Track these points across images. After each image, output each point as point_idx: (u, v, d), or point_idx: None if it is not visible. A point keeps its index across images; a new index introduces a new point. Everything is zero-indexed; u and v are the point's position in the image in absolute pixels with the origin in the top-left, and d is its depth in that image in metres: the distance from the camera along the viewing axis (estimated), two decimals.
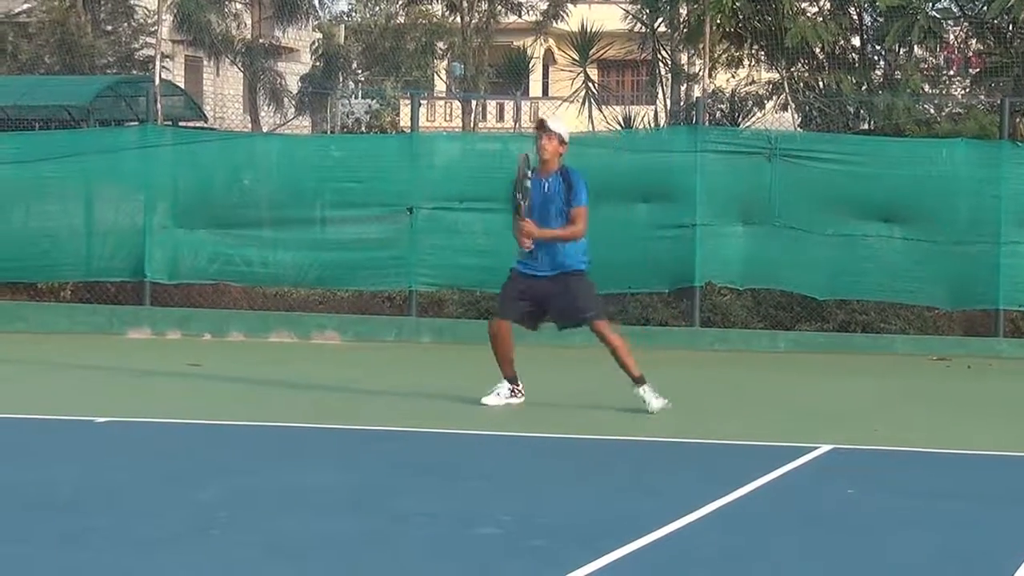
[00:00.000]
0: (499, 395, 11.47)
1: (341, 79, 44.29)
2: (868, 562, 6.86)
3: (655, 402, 11.19)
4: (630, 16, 26.02)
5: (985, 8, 19.80)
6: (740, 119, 21.95)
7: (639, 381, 11.28)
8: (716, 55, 20.79)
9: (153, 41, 28.76)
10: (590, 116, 24.89)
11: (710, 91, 21.42)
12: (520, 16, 37.64)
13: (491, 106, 40.58)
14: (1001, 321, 16.62)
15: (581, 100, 25.04)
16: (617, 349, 11.29)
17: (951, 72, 21.50)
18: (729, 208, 16.96)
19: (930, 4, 19.77)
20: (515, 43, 38.16)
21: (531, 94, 43.96)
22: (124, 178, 18.08)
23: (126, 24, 34.87)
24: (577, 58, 25.57)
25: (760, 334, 16.91)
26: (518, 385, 11.52)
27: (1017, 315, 16.89)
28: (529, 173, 11.17)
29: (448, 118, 41.75)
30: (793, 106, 20.24)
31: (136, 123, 22.60)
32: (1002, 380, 14.82)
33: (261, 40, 41.28)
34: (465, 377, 13.45)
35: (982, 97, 20.07)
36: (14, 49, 32.77)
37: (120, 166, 18.04)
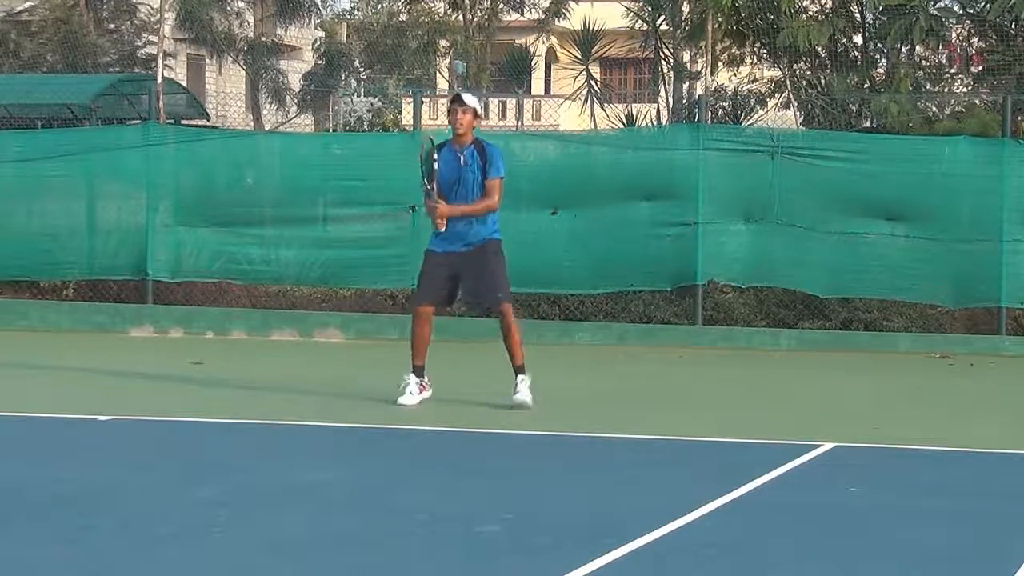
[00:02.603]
0: (412, 393, 11.41)
1: (343, 77, 44.24)
2: (869, 560, 6.86)
3: (527, 395, 11.22)
4: (632, 14, 26.03)
5: (987, 6, 19.79)
6: (742, 117, 21.96)
7: (521, 370, 11.32)
8: (718, 53, 20.79)
9: (155, 39, 28.80)
10: (592, 114, 24.92)
11: (712, 89, 21.45)
12: (522, 14, 37.60)
13: (493, 104, 40.56)
14: (1004, 319, 16.62)
15: (583, 98, 25.07)
16: (513, 335, 11.32)
17: (953, 70, 21.48)
18: (731, 206, 16.95)
19: (931, 2, 19.76)
20: (517, 41, 38.14)
21: (533, 92, 43.96)
22: (126, 176, 18.09)
23: (128, 22, 34.87)
24: (579, 56, 25.59)
25: (762, 332, 16.91)
26: (424, 378, 11.50)
27: (1020, 313, 16.88)
28: (436, 155, 11.33)
29: None
30: (795, 104, 20.24)
31: (138, 121, 22.60)
32: (1005, 378, 14.82)
33: (263, 38, 41.24)
34: (466, 376, 13.45)
35: (984, 95, 20.06)
36: (16, 47, 32.77)
37: (122, 164, 18.05)
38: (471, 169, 11.28)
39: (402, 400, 11.40)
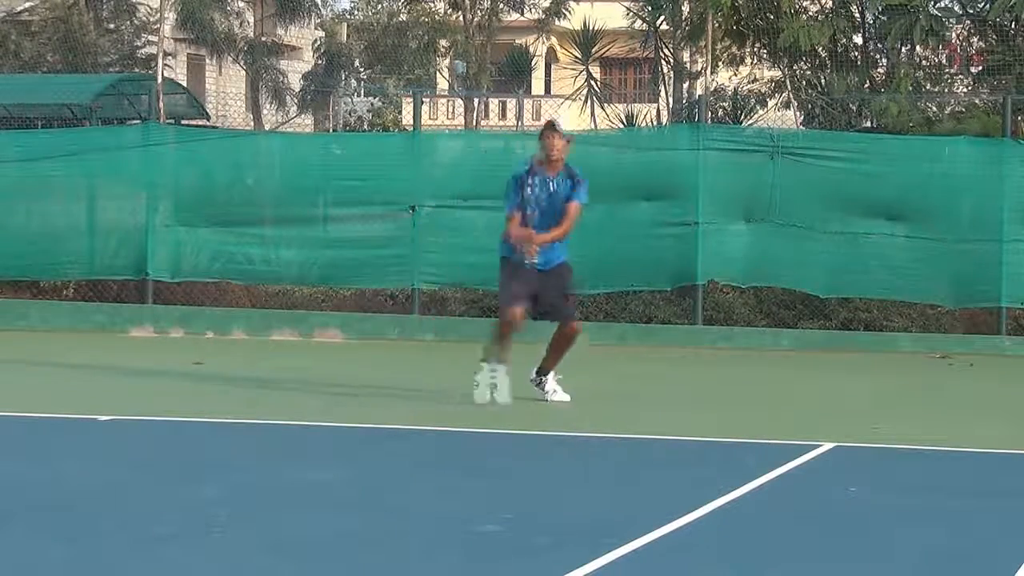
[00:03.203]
0: (482, 387, 11.44)
1: (343, 77, 44.27)
2: (869, 560, 6.86)
3: (562, 393, 11.58)
4: (632, 14, 26.04)
5: (987, 6, 19.79)
6: (742, 117, 21.96)
7: (549, 372, 11.64)
8: (718, 53, 20.79)
9: (155, 39, 28.79)
10: (592, 114, 24.92)
11: (712, 89, 21.44)
12: (522, 14, 37.62)
13: (493, 104, 40.58)
14: (1004, 319, 16.62)
15: (583, 98, 25.07)
16: (564, 347, 11.54)
17: (953, 70, 21.48)
18: (731, 206, 16.96)
19: (932, 2, 19.76)
20: (517, 41, 38.16)
21: (533, 92, 43.96)
22: (126, 176, 18.09)
23: (128, 22, 34.86)
24: (579, 56, 25.60)
25: (762, 332, 16.91)
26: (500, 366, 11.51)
27: (1020, 313, 16.89)
28: (529, 180, 11.37)
29: (450, 116, 41.75)
30: (795, 104, 20.24)
31: (138, 121, 22.60)
32: (1004, 378, 14.82)
33: (263, 38, 41.25)
34: (467, 375, 13.43)
35: (984, 95, 20.05)
36: (17, 47, 32.76)
37: (122, 164, 18.05)
38: (560, 196, 11.37)
39: (554, 398, 11.61)
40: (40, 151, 18.21)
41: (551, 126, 11.53)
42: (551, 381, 11.69)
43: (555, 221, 11.32)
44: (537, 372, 11.73)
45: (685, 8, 22.00)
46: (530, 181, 11.33)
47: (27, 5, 36.13)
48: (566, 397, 11.63)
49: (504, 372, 11.39)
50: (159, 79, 21.09)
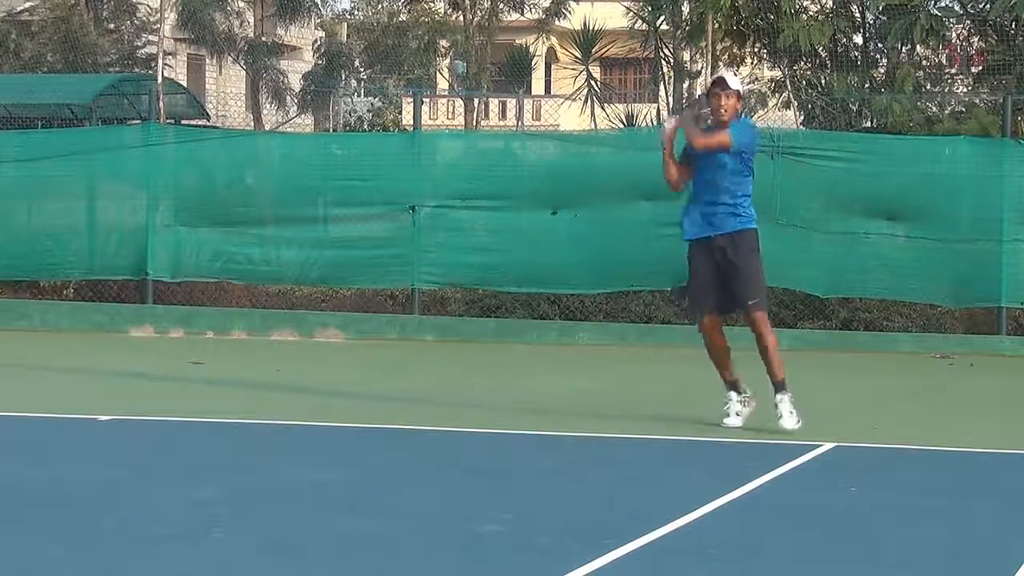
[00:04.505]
0: (736, 415, 10.41)
1: (343, 77, 44.26)
2: (869, 560, 6.86)
3: (791, 418, 10.25)
4: (632, 14, 26.02)
5: (987, 6, 19.79)
6: (742, 117, 21.94)
7: (781, 387, 10.32)
8: (718, 53, 20.78)
9: (156, 39, 28.80)
10: (592, 114, 24.89)
11: None
12: (522, 14, 37.62)
13: (493, 104, 40.57)
14: (1004, 319, 16.62)
15: (583, 98, 25.04)
16: (769, 347, 10.34)
17: (953, 70, 21.48)
18: None
19: (932, 2, 19.76)
20: (517, 41, 38.13)
21: (533, 92, 43.95)
22: (126, 176, 18.10)
23: (128, 22, 34.87)
24: (579, 56, 25.58)
25: None
26: (743, 392, 10.48)
27: (1020, 313, 16.89)
28: (707, 121, 10.05)
29: (450, 116, 41.74)
30: (795, 104, 20.24)
31: (138, 121, 22.62)
32: (1005, 378, 14.81)
33: (263, 38, 41.26)
34: (467, 375, 13.46)
35: (984, 95, 20.05)
36: (17, 47, 32.77)
37: (122, 164, 18.06)
38: (732, 156, 10.09)
39: (727, 421, 10.43)
40: (40, 151, 18.21)
41: (720, 82, 10.05)
42: (784, 401, 10.27)
43: (722, 189, 10.10)
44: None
45: (685, 8, 21.98)
46: (706, 122, 10.02)
47: (27, 5, 36.13)
48: (792, 424, 10.17)
49: (736, 399, 10.42)
50: (159, 79, 21.09)
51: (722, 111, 10.02)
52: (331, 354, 15.89)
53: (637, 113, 24.81)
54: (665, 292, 17.32)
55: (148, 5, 34.47)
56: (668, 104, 23.73)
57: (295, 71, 44.22)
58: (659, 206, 17.03)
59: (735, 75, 10.60)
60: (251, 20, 40.92)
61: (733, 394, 10.53)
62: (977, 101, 19.89)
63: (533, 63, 37.64)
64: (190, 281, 17.91)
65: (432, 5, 37.62)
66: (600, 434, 10.47)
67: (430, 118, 40.19)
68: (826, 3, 20.48)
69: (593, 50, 25.89)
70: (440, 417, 10.97)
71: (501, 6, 35.65)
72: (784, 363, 10.37)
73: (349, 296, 18.22)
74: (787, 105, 20.88)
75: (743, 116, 10.43)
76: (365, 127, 37.99)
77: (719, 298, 10.28)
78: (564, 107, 30.82)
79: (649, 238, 17.03)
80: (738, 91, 10.14)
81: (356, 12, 46.79)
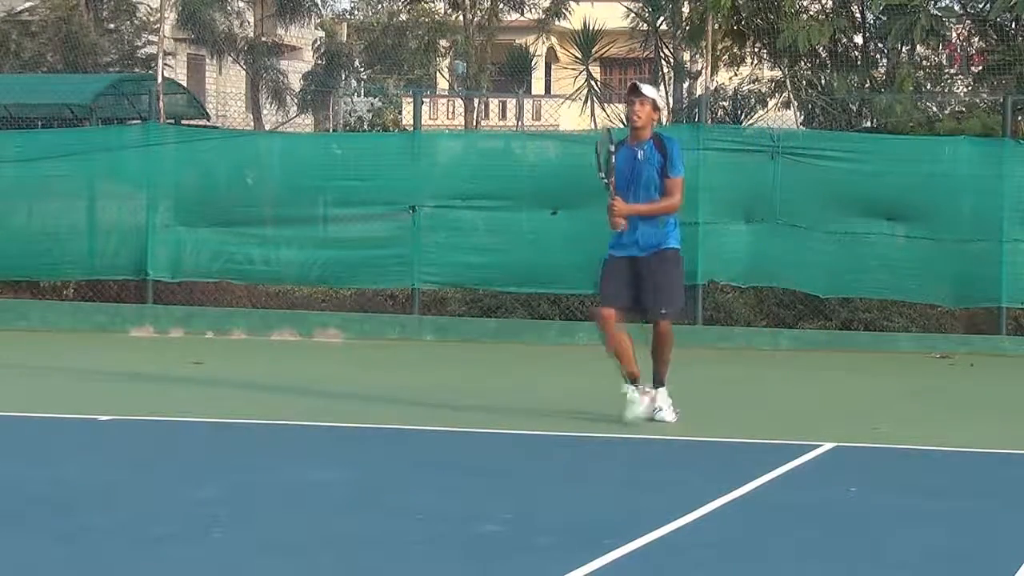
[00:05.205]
0: (635, 403, 10.55)
1: (343, 77, 44.28)
2: (869, 560, 6.86)
3: (670, 413, 10.67)
4: (632, 14, 26.04)
5: (987, 6, 19.79)
6: (743, 117, 21.96)
7: (663, 383, 10.72)
8: (718, 53, 20.79)
9: (156, 39, 28.78)
10: (592, 114, 24.91)
11: (712, 89, 21.43)
12: (522, 14, 37.62)
13: (493, 104, 40.56)
14: (1004, 319, 16.60)
15: (583, 98, 25.07)
16: (663, 351, 10.66)
17: (953, 70, 21.48)
18: (731, 206, 16.95)
19: (932, 2, 19.76)
20: (517, 41, 38.15)
21: (533, 92, 43.96)
22: (126, 176, 18.09)
23: (129, 22, 34.88)
24: (579, 56, 25.59)
25: (762, 332, 16.91)
26: (640, 385, 10.66)
27: (1020, 313, 16.87)
28: (613, 148, 10.43)
29: (451, 116, 41.75)
30: (795, 104, 20.24)
31: (138, 121, 22.61)
32: (1005, 378, 14.81)
33: (263, 38, 41.27)
34: (467, 375, 13.46)
35: (985, 95, 20.05)
36: (17, 47, 32.78)
37: (122, 164, 18.05)
38: (649, 165, 10.39)
39: (627, 415, 10.52)
40: (40, 151, 18.20)
41: (634, 89, 10.41)
42: (661, 396, 10.68)
43: (645, 196, 10.39)
44: (654, 384, 10.75)
45: (685, 8, 21.99)
46: (614, 149, 10.36)
47: (27, 5, 36.12)
48: (671, 417, 10.63)
49: (633, 390, 10.54)
50: (159, 79, 21.08)
51: (635, 118, 10.35)
52: (331, 354, 15.89)
53: None
54: None
55: (148, 5, 34.47)
56: (668, 104, 23.75)
57: (295, 71, 44.24)
58: None
59: (650, 84, 10.71)
60: (251, 20, 40.92)
61: (631, 387, 10.60)
62: (977, 101, 19.89)
63: (533, 63, 37.67)
64: (190, 281, 17.90)
65: (432, 5, 37.62)
66: (600, 434, 10.47)
67: (430, 118, 40.19)
68: (826, 3, 20.48)
69: (593, 50, 25.91)
70: (440, 417, 10.97)
71: (501, 6, 35.65)
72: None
73: (349, 296, 18.22)
74: (787, 105, 20.88)
75: (671, 141, 10.61)
76: (365, 127, 38.00)
77: (630, 298, 10.58)
78: (564, 107, 30.83)
79: None
80: (653, 100, 10.45)
81: (356, 12, 46.78)
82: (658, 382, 10.76)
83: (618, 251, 10.58)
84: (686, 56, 25.00)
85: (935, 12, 19.69)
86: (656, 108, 10.50)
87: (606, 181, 10.43)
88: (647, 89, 10.53)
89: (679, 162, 10.51)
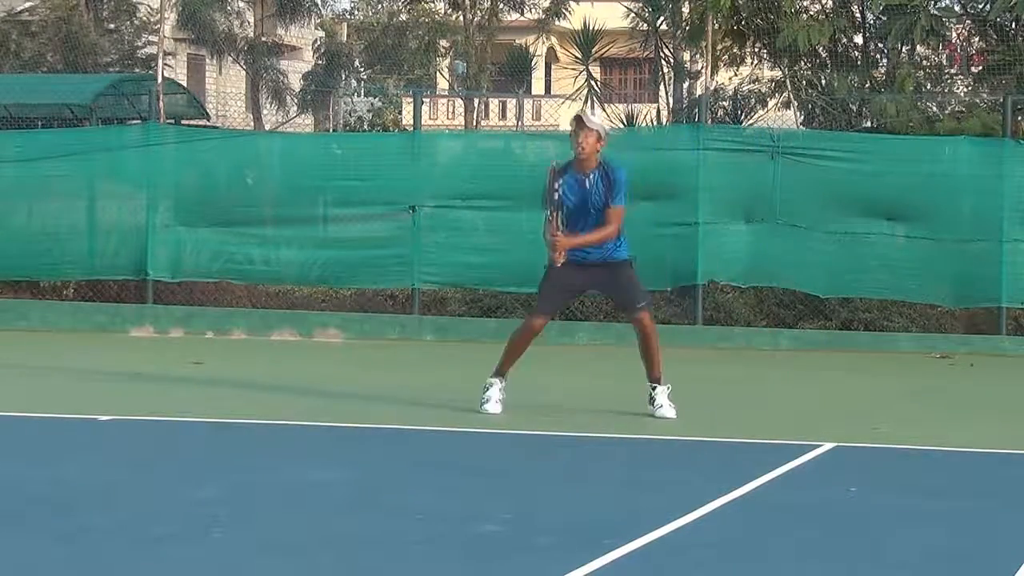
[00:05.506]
0: (498, 401, 10.99)
1: (343, 77, 44.27)
2: (869, 560, 6.86)
3: (669, 408, 10.93)
4: (632, 14, 26.02)
5: (987, 6, 19.79)
6: (743, 117, 21.94)
7: (660, 381, 11.00)
8: (718, 53, 20.79)
9: (156, 39, 28.78)
10: (592, 114, 24.85)
11: (712, 89, 21.41)
12: (522, 14, 37.61)
13: (494, 104, 40.56)
14: (1004, 319, 16.61)
15: (584, 98, 25.02)
16: (650, 344, 10.92)
17: (953, 70, 21.47)
18: (732, 206, 16.95)
19: (932, 2, 19.75)
20: (517, 41, 38.13)
21: (533, 92, 43.95)
22: (126, 176, 18.09)
23: (129, 22, 34.86)
24: (579, 56, 25.55)
25: (762, 332, 16.91)
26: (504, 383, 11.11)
27: (1020, 313, 16.88)
28: (558, 185, 10.72)
29: (451, 116, 41.75)
30: (795, 104, 20.23)
31: (139, 121, 22.60)
32: (1005, 378, 14.81)
33: (263, 38, 41.26)
34: (467, 375, 13.43)
35: (985, 95, 20.04)
36: (17, 47, 32.76)
37: (123, 164, 18.05)
38: (596, 194, 10.70)
39: (488, 407, 10.94)
40: (40, 151, 18.19)
41: (579, 121, 10.68)
42: (664, 393, 10.99)
43: (592, 222, 10.71)
44: (650, 383, 11.04)
45: (685, 8, 21.97)
46: (559, 181, 10.66)
47: (27, 5, 36.12)
48: (672, 413, 10.91)
49: (501, 386, 10.99)
50: (159, 79, 21.06)
51: (580, 149, 10.63)
52: (331, 354, 15.89)
53: (637, 113, 24.77)
54: (665, 292, 17.32)
55: (148, 5, 34.46)
56: (668, 104, 23.75)
57: (295, 71, 44.22)
58: (659, 206, 17.05)
59: (594, 114, 11.14)
60: (251, 20, 40.90)
61: (498, 380, 10.99)
62: (977, 101, 19.88)
63: (533, 63, 37.64)
64: (190, 281, 17.90)
65: (432, 5, 37.62)
66: (600, 434, 10.47)
67: (430, 118, 40.19)
68: (826, 3, 20.47)
69: (593, 50, 25.86)
70: (440, 417, 10.97)
71: (501, 6, 35.64)
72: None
73: (349, 296, 18.22)
74: (787, 105, 20.87)
75: (618, 171, 10.81)
76: (365, 127, 38.00)
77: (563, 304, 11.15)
78: (564, 107, 30.81)
79: (649, 238, 17.00)
80: (598, 131, 10.70)
81: (356, 12, 46.78)
82: (654, 380, 11.01)
83: (571, 257, 10.82)
84: (686, 56, 24.98)
85: (935, 12, 19.67)
86: (600, 138, 10.74)
87: (549, 215, 10.75)
88: (592, 121, 10.79)
89: (622, 193, 10.76)
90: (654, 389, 11.00)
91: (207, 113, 29.44)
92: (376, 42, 41.55)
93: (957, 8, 20.69)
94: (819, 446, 9.83)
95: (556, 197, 10.71)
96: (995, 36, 19.88)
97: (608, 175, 10.74)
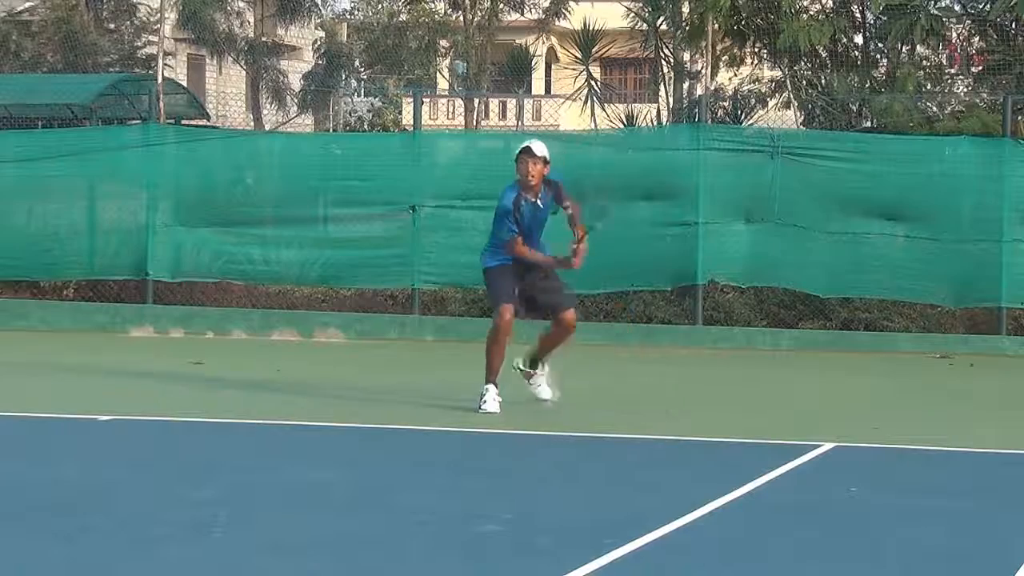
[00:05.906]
0: (496, 402, 11.17)
1: (344, 77, 44.24)
2: (869, 560, 6.86)
3: (547, 391, 11.59)
4: (632, 14, 26.00)
5: (987, 6, 19.79)
6: (743, 117, 21.95)
7: (542, 366, 11.62)
8: (718, 53, 20.79)
9: (156, 39, 28.77)
10: (592, 114, 24.88)
11: (712, 89, 21.42)
12: (522, 14, 37.59)
13: (494, 104, 40.55)
14: (1004, 319, 16.62)
15: (583, 98, 25.02)
16: (563, 340, 11.50)
17: (953, 70, 21.48)
18: (732, 206, 16.96)
19: (932, 2, 19.75)
20: (517, 41, 38.11)
21: (533, 92, 43.93)
22: (127, 176, 18.10)
23: (129, 22, 34.85)
24: (579, 56, 25.55)
25: (763, 332, 16.91)
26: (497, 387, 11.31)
27: (1020, 313, 16.89)
28: (522, 205, 11.34)
29: (450, 116, 41.73)
30: (795, 104, 20.24)
31: (139, 121, 22.59)
32: (1005, 378, 14.81)
33: (264, 38, 41.23)
34: (467, 375, 13.42)
35: (985, 95, 20.05)
36: (17, 47, 32.74)
37: (123, 164, 18.06)
38: (546, 209, 11.45)
39: (487, 407, 11.16)
40: (40, 151, 18.20)
41: (526, 151, 11.37)
42: (546, 374, 11.67)
43: (538, 236, 11.41)
44: (530, 364, 11.60)
45: (685, 9, 21.97)
46: (520, 208, 11.32)
47: (27, 5, 36.11)
48: (549, 395, 11.57)
49: (496, 391, 11.18)
50: (159, 79, 21.07)
51: (530, 177, 11.31)
52: (331, 354, 15.89)
53: (637, 113, 24.77)
54: (665, 292, 17.32)
55: (148, 5, 34.43)
56: (668, 104, 23.74)
57: (295, 71, 44.19)
58: (659, 206, 17.07)
59: (540, 143, 11.65)
60: (251, 20, 40.87)
61: (491, 386, 11.23)
62: (977, 101, 19.89)
63: (533, 63, 37.60)
64: (190, 281, 17.91)
65: (432, 5, 37.61)
66: (600, 434, 10.47)
67: (430, 118, 40.17)
68: (826, 3, 20.47)
69: (593, 50, 25.86)
70: (440, 417, 10.97)
71: (501, 6, 35.63)
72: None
73: (349, 296, 18.22)
74: (787, 105, 20.87)
75: (553, 179, 11.47)
76: (365, 127, 38.01)
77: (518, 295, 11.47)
78: (564, 107, 30.83)
79: (649, 238, 17.04)
80: (544, 157, 11.38)
81: (356, 12, 46.75)
82: (542, 362, 11.62)
83: (496, 262, 11.47)
84: (686, 56, 24.97)
85: (935, 12, 19.68)
86: (546, 163, 11.39)
87: (515, 234, 11.34)
88: (538, 148, 11.41)
89: (570, 196, 11.46)
90: (537, 377, 11.59)
91: (207, 113, 29.43)
92: (376, 42, 41.51)
93: (957, 8, 20.69)
94: (819, 446, 9.83)
95: (518, 219, 11.38)
96: (995, 36, 19.89)
97: (551, 186, 11.39)
